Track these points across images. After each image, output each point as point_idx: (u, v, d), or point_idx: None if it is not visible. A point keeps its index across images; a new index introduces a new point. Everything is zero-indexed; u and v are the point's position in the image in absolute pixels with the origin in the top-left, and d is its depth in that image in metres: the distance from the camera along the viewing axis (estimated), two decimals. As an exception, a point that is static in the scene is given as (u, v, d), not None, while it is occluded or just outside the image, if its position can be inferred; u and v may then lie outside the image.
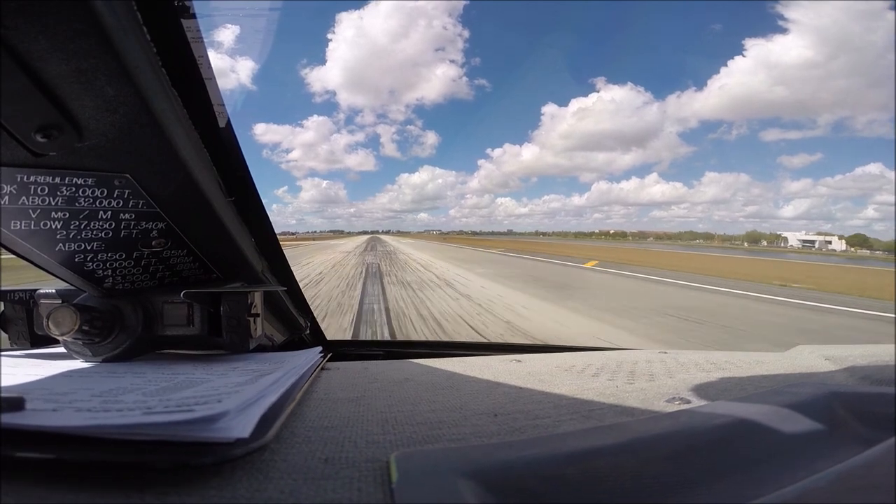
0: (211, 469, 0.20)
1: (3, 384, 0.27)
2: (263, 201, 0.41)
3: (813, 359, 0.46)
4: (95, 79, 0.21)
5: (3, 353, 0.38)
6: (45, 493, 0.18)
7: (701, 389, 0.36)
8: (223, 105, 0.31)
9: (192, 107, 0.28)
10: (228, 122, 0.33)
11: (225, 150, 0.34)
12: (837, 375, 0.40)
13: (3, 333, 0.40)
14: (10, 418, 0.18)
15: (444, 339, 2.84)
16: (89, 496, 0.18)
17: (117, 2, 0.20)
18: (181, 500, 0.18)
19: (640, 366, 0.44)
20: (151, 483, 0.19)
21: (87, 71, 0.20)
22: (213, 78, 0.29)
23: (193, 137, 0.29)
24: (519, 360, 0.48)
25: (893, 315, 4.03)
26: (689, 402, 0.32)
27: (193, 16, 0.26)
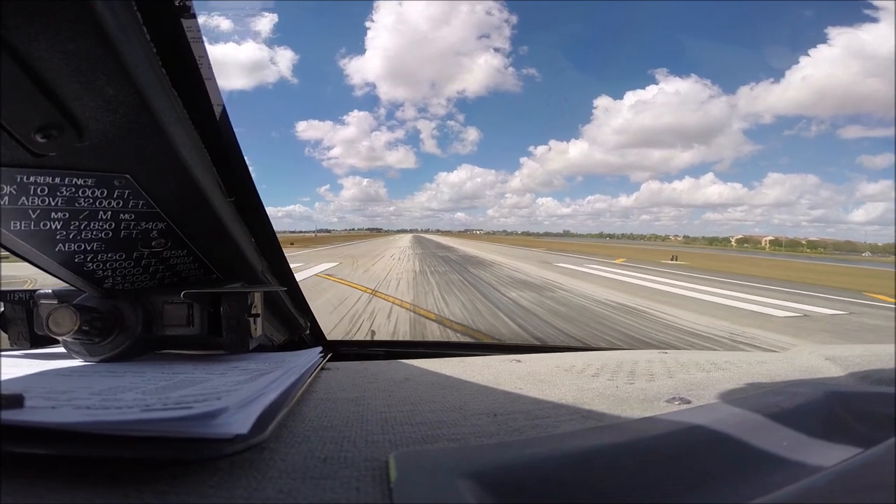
0: (210, 467, 0.20)
1: (3, 383, 0.27)
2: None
3: (813, 359, 0.46)
4: (95, 79, 0.21)
5: (2, 353, 0.38)
6: (43, 492, 0.18)
7: (701, 389, 0.36)
8: (223, 105, 0.31)
9: (192, 107, 0.28)
10: (228, 123, 0.33)
11: (225, 151, 0.34)
12: (838, 376, 0.40)
13: (3, 333, 0.40)
14: (10, 415, 0.18)
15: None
16: (88, 496, 0.18)
17: (117, 2, 0.20)
18: (180, 500, 0.18)
19: (640, 366, 0.44)
20: (150, 482, 0.19)
21: (87, 71, 0.20)
22: (213, 78, 0.29)
23: (193, 137, 0.29)
24: (519, 360, 0.48)
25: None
26: (688, 402, 0.32)
27: (193, 16, 0.26)
